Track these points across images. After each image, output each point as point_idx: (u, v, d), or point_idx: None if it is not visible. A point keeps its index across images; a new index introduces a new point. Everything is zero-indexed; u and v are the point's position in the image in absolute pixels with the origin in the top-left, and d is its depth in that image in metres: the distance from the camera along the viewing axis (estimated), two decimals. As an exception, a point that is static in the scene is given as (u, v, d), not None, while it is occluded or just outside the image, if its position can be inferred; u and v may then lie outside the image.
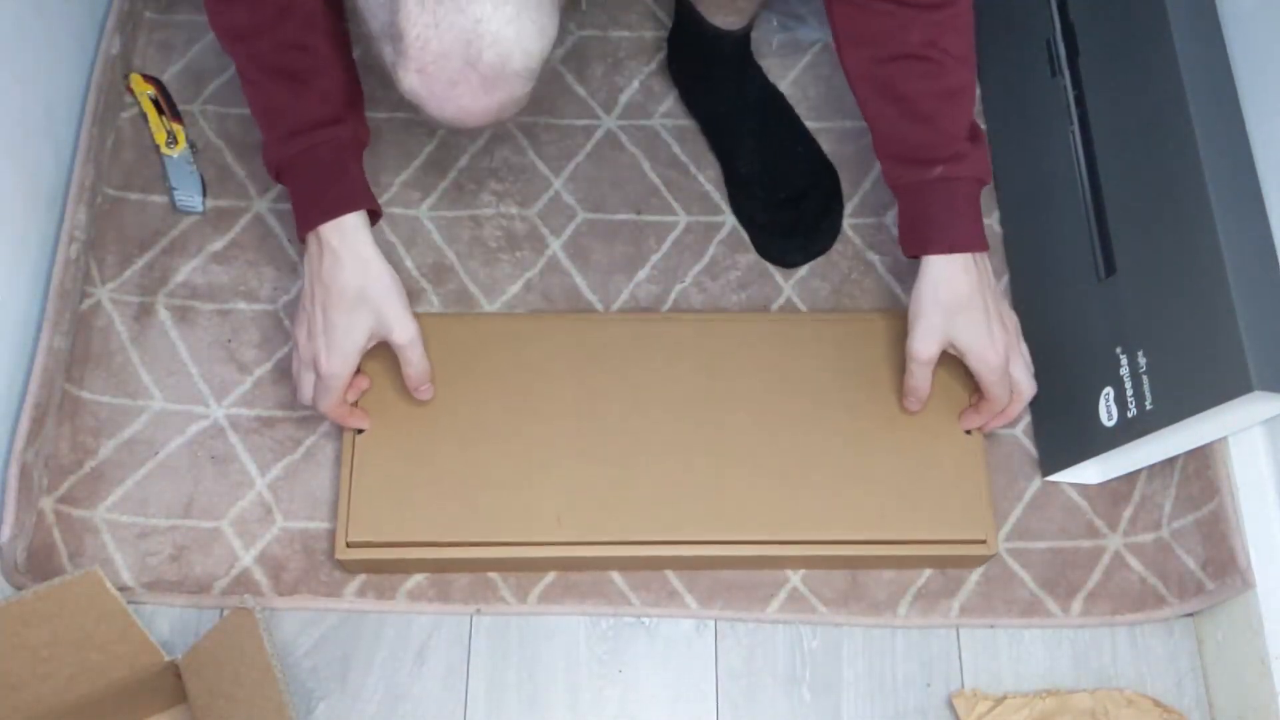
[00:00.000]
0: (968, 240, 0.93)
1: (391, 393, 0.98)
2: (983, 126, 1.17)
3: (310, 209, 0.90)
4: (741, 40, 1.13)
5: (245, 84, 0.91)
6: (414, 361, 0.93)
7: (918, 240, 0.94)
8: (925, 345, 0.94)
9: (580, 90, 1.19)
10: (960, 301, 0.93)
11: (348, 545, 0.95)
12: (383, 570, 0.99)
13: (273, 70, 0.89)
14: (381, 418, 0.98)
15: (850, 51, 0.91)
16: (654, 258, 1.12)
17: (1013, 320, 0.98)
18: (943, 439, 1.00)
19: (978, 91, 1.18)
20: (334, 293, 0.89)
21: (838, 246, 1.13)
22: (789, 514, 0.97)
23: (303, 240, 0.91)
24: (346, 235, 0.89)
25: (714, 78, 1.14)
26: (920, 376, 0.96)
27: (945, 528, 0.97)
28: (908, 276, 1.11)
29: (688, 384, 1.01)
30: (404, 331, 0.91)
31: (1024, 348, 0.98)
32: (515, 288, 1.10)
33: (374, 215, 0.92)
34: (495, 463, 0.97)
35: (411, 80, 0.78)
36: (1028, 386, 0.97)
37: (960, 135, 0.92)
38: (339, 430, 1.03)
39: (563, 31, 1.20)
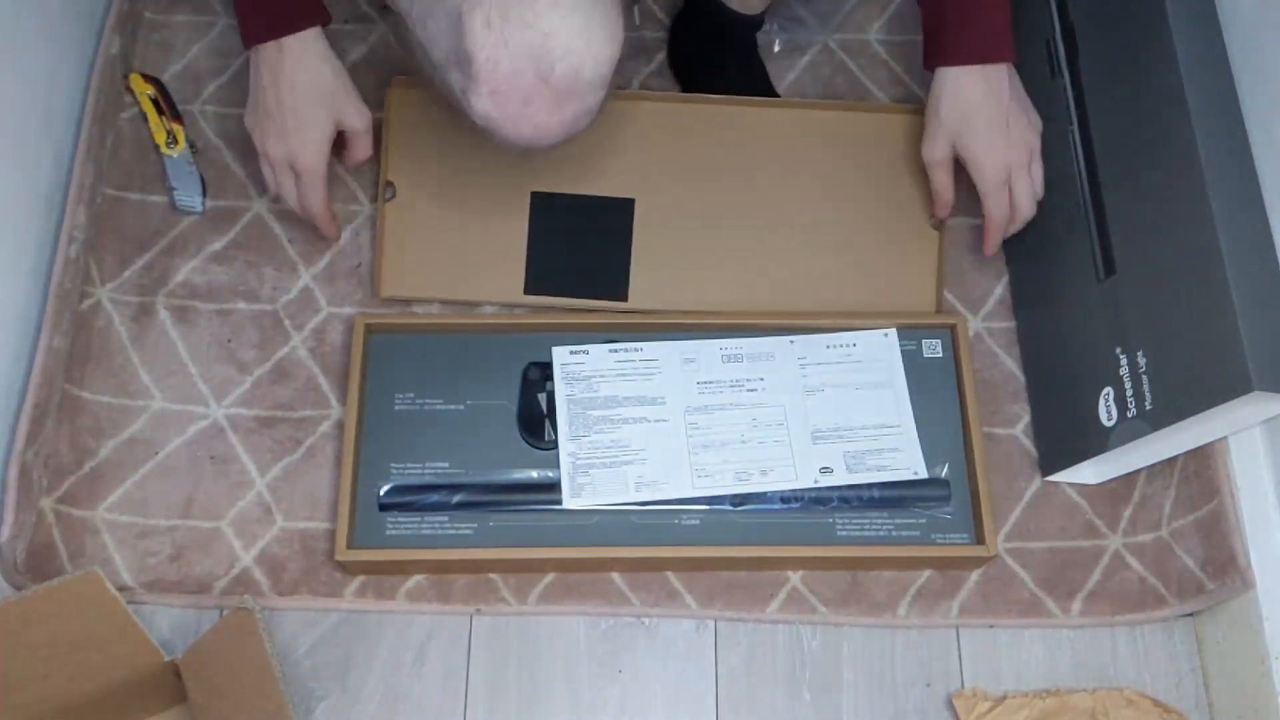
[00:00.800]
0: (983, 49, 0.95)
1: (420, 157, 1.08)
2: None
3: (270, 19, 0.93)
4: (754, 27, 1.12)
5: None
6: (363, 147, 1.00)
7: (933, 50, 0.96)
8: (931, 147, 0.98)
9: (580, 90, 1.19)
10: (967, 110, 0.95)
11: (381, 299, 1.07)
12: (382, 571, 0.99)
13: None
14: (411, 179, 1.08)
15: None
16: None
17: (1032, 139, 0.99)
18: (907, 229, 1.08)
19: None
20: (299, 92, 0.94)
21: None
22: (759, 285, 1.06)
23: (252, 45, 0.95)
24: (307, 44, 0.93)
25: (721, 64, 1.14)
26: (938, 181, 1.01)
27: (896, 302, 1.07)
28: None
29: (694, 163, 1.08)
30: (360, 118, 0.98)
31: (1037, 169, 1.00)
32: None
33: (326, 22, 0.96)
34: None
35: (484, 104, 0.77)
36: (1025, 207, 1.00)
37: None
38: (339, 430, 1.03)
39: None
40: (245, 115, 0.98)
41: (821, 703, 0.98)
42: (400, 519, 0.98)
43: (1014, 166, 0.97)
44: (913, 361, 1.04)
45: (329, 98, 0.95)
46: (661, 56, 1.20)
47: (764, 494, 0.98)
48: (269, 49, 0.93)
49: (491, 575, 1.00)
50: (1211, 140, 0.92)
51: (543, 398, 1.00)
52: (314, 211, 1.00)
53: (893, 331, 1.04)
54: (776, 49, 1.20)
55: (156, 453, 1.03)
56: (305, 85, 0.94)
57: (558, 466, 0.99)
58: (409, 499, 0.98)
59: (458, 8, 0.77)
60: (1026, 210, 1.00)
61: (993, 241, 1.02)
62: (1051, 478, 1.04)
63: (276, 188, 1.00)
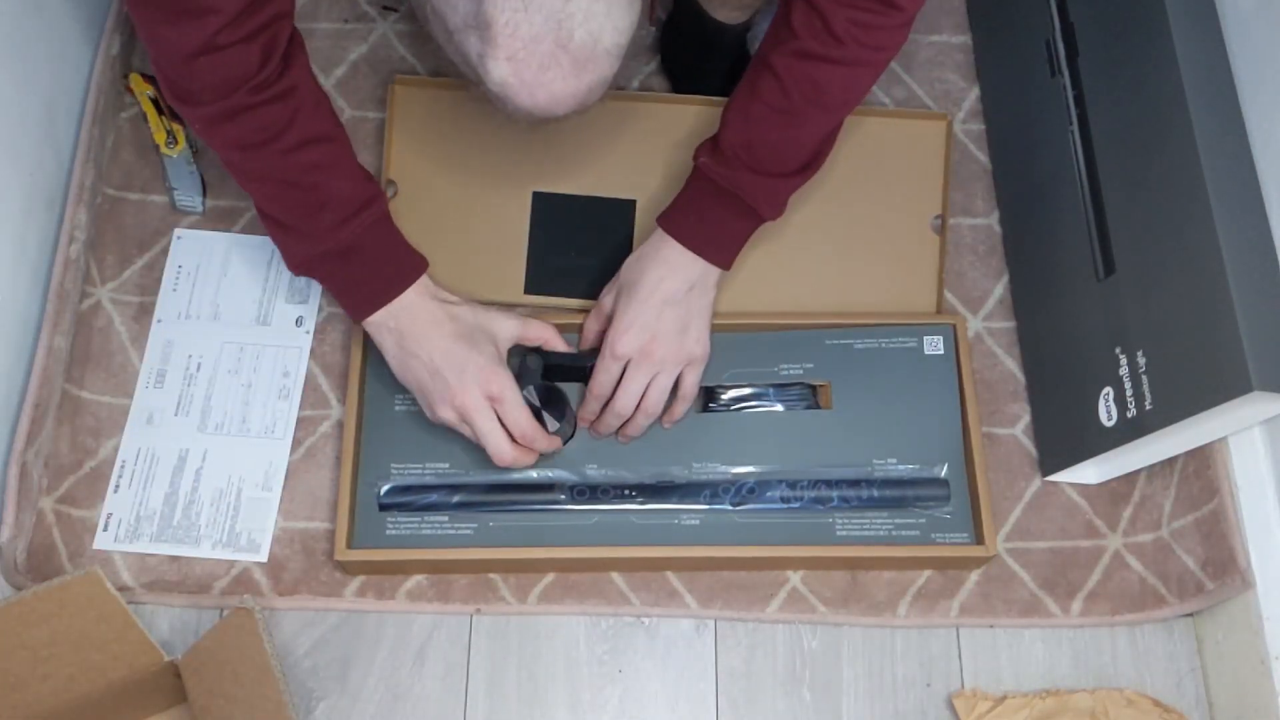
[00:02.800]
0: (713, 248, 0.93)
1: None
2: (982, 127, 1.17)
3: (381, 286, 0.91)
4: (741, 35, 1.12)
5: (268, 188, 0.89)
6: (537, 332, 0.97)
7: (674, 214, 0.95)
8: (604, 290, 0.98)
9: (580, 90, 1.19)
10: (651, 279, 0.93)
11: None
12: (382, 571, 0.99)
13: (304, 168, 0.87)
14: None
15: (763, 43, 0.92)
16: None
17: (677, 356, 0.95)
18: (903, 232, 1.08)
19: (975, 92, 1.18)
20: (457, 337, 0.91)
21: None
22: (759, 286, 1.06)
23: (363, 318, 0.92)
24: (426, 294, 0.92)
25: (710, 72, 1.14)
26: (587, 325, 0.99)
27: (896, 302, 1.07)
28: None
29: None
30: (509, 325, 0.95)
31: (658, 387, 0.95)
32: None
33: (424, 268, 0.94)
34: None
35: (501, 70, 0.76)
36: (621, 403, 0.95)
37: (762, 163, 0.91)
38: (339, 430, 1.03)
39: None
40: (426, 407, 0.94)
41: (821, 703, 0.98)
42: (400, 519, 0.98)
43: (640, 360, 0.94)
44: (913, 361, 1.04)
45: (475, 327, 0.92)
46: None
47: (765, 493, 0.98)
48: (387, 314, 0.91)
49: (491, 575, 1.00)
50: (1211, 140, 0.92)
51: (532, 390, 1.00)
52: (529, 435, 0.93)
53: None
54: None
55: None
56: (447, 333, 0.91)
57: (557, 466, 0.99)
58: (409, 499, 0.98)
59: None
60: (622, 406, 0.95)
61: (587, 411, 0.98)
62: (1051, 478, 1.04)
63: (483, 437, 0.92)
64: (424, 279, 0.92)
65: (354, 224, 0.89)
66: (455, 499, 0.98)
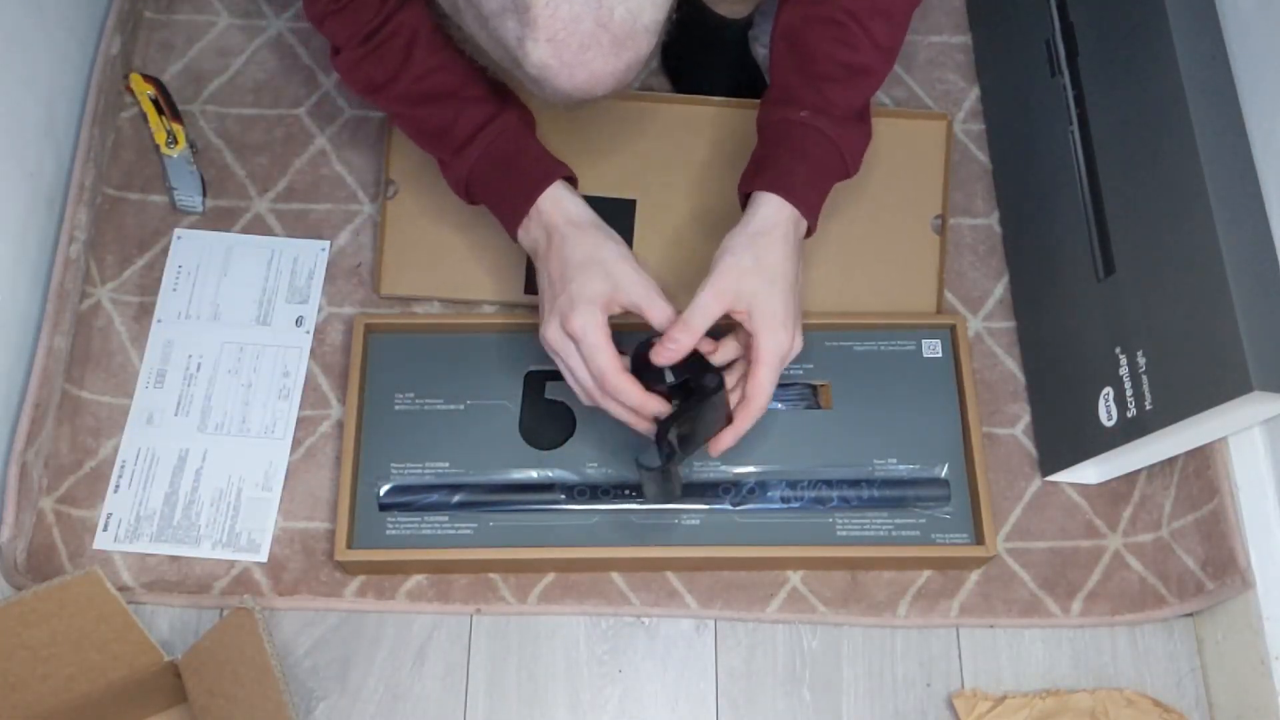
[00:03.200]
0: (806, 199, 0.89)
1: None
2: (982, 127, 1.17)
3: (513, 203, 0.91)
4: (743, 29, 1.13)
5: (401, 124, 0.96)
6: (656, 316, 0.87)
7: (757, 175, 0.90)
8: (724, 284, 0.85)
9: (580, 90, 1.19)
10: (774, 261, 0.87)
11: (381, 296, 1.07)
12: (382, 571, 0.99)
13: (421, 99, 0.92)
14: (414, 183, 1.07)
15: (786, 7, 0.92)
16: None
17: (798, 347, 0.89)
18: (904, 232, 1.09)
19: (975, 92, 1.18)
20: (567, 263, 0.87)
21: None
22: None
23: (517, 238, 0.92)
24: (559, 206, 0.89)
25: (712, 66, 1.14)
26: (699, 320, 0.85)
27: (896, 302, 1.07)
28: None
29: (694, 163, 1.08)
30: (633, 289, 0.86)
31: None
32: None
33: (570, 181, 0.93)
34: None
35: (541, 51, 0.76)
36: (756, 416, 0.88)
37: (845, 108, 0.91)
38: (339, 430, 1.03)
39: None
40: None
41: (821, 703, 0.98)
42: (400, 519, 0.98)
43: (788, 358, 0.87)
44: (912, 361, 1.04)
45: (598, 264, 0.86)
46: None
47: (765, 493, 0.98)
48: (526, 231, 0.90)
49: (491, 575, 1.00)
50: (1211, 140, 0.92)
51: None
52: (609, 382, 0.85)
53: None
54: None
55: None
56: (569, 255, 0.87)
57: (557, 466, 0.99)
58: (409, 499, 0.98)
59: None
60: (762, 407, 0.87)
61: (735, 437, 0.89)
62: (1051, 478, 1.04)
63: (572, 377, 0.88)
64: (556, 190, 0.90)
65: (468, 152, 0.92)
66: (455, 499, 0.98)
